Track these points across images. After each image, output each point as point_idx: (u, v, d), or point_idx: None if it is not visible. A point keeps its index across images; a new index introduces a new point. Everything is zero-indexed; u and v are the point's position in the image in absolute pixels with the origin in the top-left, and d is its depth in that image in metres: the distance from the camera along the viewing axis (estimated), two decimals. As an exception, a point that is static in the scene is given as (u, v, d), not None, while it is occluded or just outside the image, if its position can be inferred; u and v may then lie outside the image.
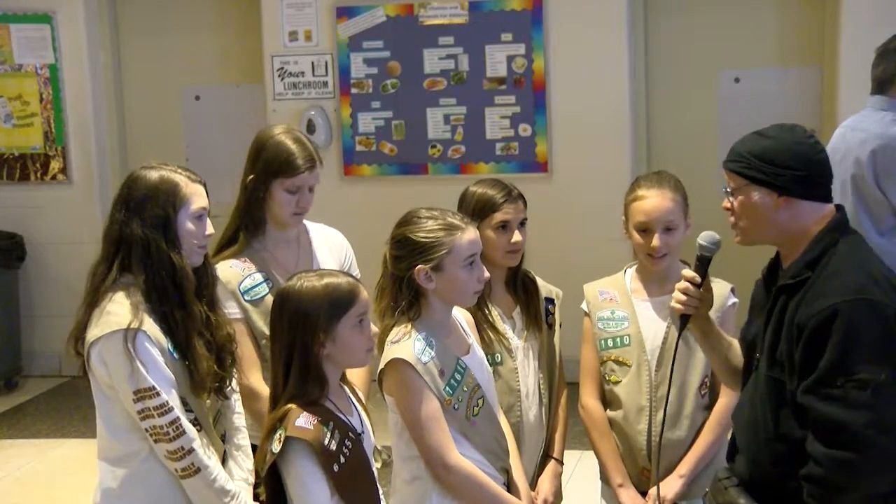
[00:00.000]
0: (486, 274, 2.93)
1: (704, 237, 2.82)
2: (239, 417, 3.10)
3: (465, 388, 2.87)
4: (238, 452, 3.03)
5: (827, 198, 2.60)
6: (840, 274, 2.48)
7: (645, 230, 3.25)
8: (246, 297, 3.27)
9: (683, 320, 2.79)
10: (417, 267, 2.83)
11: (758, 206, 2.57)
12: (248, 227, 3.36)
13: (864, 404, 2.36)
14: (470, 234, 2.87)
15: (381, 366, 2.86)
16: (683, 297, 2.76)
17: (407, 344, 2.82)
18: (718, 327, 2.87)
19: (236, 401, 3.10)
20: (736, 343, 2.89)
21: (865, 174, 4.34)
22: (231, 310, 3.26)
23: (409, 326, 2.85)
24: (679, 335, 2.87)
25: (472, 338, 3.07)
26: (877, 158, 4.31)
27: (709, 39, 6.80)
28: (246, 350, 3.24)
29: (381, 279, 2.94)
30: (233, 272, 3.30)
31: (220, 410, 3.05)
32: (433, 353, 2.82)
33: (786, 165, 2.54)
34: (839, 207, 2.63)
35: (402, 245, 2.88)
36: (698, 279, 2.77)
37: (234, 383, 3.07)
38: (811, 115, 6.68)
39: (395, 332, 2.86)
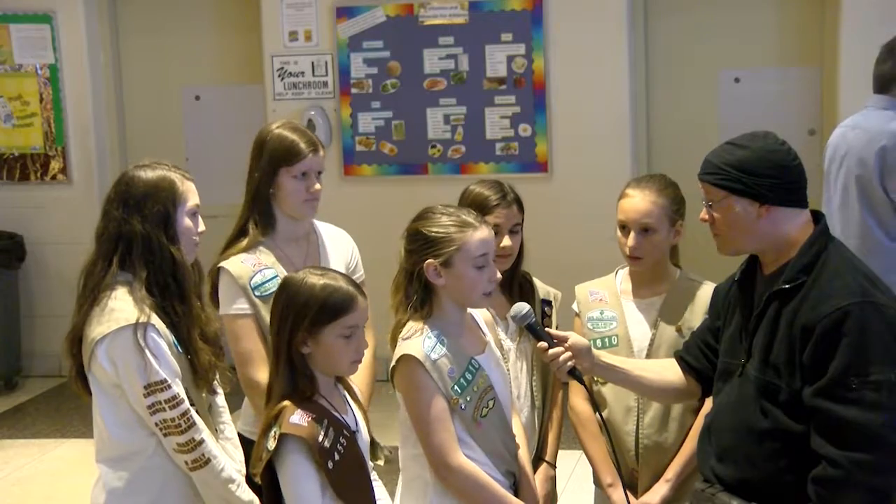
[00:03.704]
0: (498, 276, 2.92)
1: (512, 311, 2.86)
2: (225, 411, 3.12)
3: (476, 389, 2.85)
4: (227, 444, 3.05)
5: (804, 203, 2.63)
6: (840, 276, 2.50)
7: (624, 228, 3.26)
8: (256, 293, 3.28)
9: (573, 375, 2.81)
10: (427, 261, 2.83)
11: (740, 216, 2.59)
12: (256, 221, 3.37)
13: (879, 405, 2.40)
14: (482, 233, 2.85)
15: (393, 362, 2.86)
16: (557, 363, 2.77)
17: (417, 341, 2.81)
18: (608, 360, 2.89)
19: (220, 395, 3.12)
20: (633, 362, 2.95)
21: (871, 174, 4.32)
22: (241, 305, 3.28)
23: (422, 323, 2.84)
24: (585, 385, 2.90)
25: (490, 336, 3.06)
26: (885, 155, 4.29)
27: (709, 39, 6.80)
28: (252, 345, 3.25)
29: (398, 274, 2.94)
30: (244, 267, 3.30)
31: (210, 405, 3.06)
32: (444, 351, 2.81)
33: (764, 174, 2.56)
34: (817, 213, 2.65)
35: (414, 239, 2.88)
36: (545, 345, 2.78)
37: (217, 377, 3.09)
38: (811, 115, 6.69)
39: (408, 329, 2.85)
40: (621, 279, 3.39)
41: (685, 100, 6.89)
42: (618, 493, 3.20)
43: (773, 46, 6.78)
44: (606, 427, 3.12)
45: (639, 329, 3.28)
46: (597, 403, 3.09)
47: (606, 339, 3.28)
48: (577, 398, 3.34)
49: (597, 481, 3.35)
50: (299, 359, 2.68)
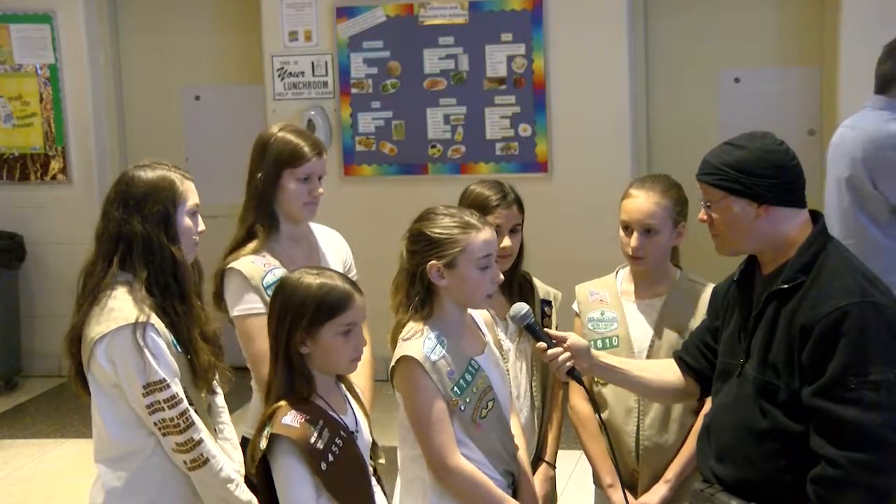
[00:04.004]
0: (501, 277, 2.92)
1: (512, 311, 2.87)
2: (224, 411, 3.13)
3: (475, 390, 2.85)
4: (227, 444, 3.06)
5: (802, 203, 2.62)
6: (839, 276, 2.50)
7: (627, 228, 3.26)
8: (269, 292, 3.26)
9: (572, 375, 2.82)
10: (430, 263, 2.82)
11: (738, 217, 2.58)
12: (263, 223, 3.37)
13: (878, 405, 2.40)
14: (486, 234, 2.85)
15: (392, 363, 2.86)
16: (556, 364, 2.78)
17: (417, 342, 2.80)
18: (607, 360, 2.89)
19: (220, 395, 3.13)
20: (632, 363, 2.95)
21: (862, 174, 4.34)
22: (255, 304, 3.28)
23: (423, 324, 2.84)
24: (584, 386, 2.91)
25: (489, 337, 3.06)
26: (869, 157, 4.31)
27: (709, 39, 6.80)
28: (268, 344, 3.24)
29: (398, 275, 2.94)
30: (255, 267, 3.31)
31: (209, 405, 3.07)
32: (444, 352, 2.81)
33: (762, 174, 2.56)
34: (815, 212, 2.65)
35: (416, 240, 2.87)
36: (544, 345, 2.79)
37: (217, 377, 3.09)
38: (811, 115, 6.69)
39: (408, 330, 2.85)
40: (622, 279, 3.39)
41: (685, 100, 6.89)
42: (617, 494, 3.20)
43: (773, 46, 6.78)
44: (606, 428, 3.12)
45: (639, 330, 3.28)
46: (597, 404, 3.09)
47: (607, 340, 3.28)
48: (578, 398, 3.34)
49: (597, 481, 3.35)
50: (298, 359, 2.68)
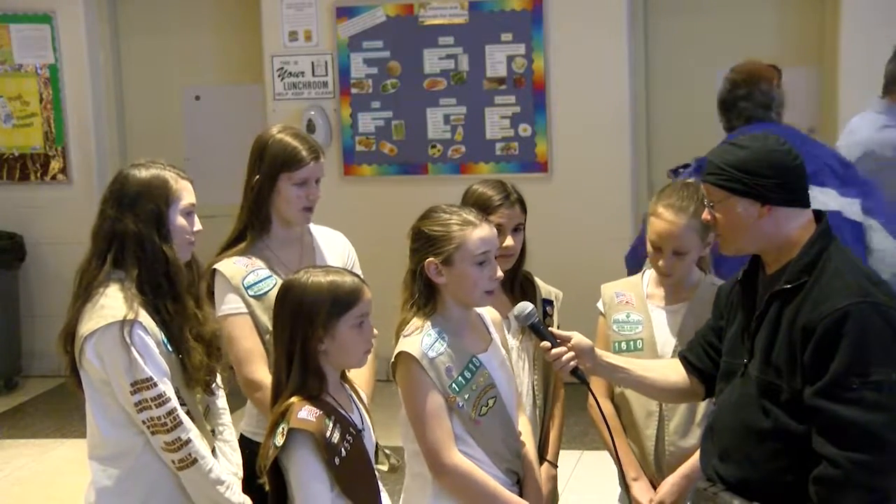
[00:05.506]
0: (500, 274, 2.92)
1: (516, 311, 2.87)
2: (224, 413, 3.13)
3: (475, 387, 2.86)
4: (225, 447, 3.06)
5: (805, 203, 2.62)
6: (841, 276, 2.50)
7: (656, 247, 3.24)
8: (250, 293, 3.29)
9: (576, 375, 2.81)
10: (427, 260, 2.84)
11: (741, 217, 2.58)
12: (254, 225, 3.38)
13: (880, 405, 2.40)
14: (483, 231, 2.87)
15: (392, 359, 2.87)
16: (559, 363, 2.77)
17: (416, 338, 2.83)
18: (610, 359, 2.88)
19: (221, 397, 3.13)
20: (636, 362, 2.94)
21: None
22: (235, 304, 3.29)
23: (423, 321, 2.86)
24: (588, 385, 2.90)
25: (496, 335, 3.06)
26: (859, 165, 4.33)
27: (709, 40, 6.80)
28: (250, 344, 3.26)
29: (406, 273, 2.96)
30: (236, 268, 3.32)
31: (208, 406, 3.07)
32: (443, 349, 2.82)
33: (764, 174, 2.55)
34: (819, 212, 2.66)
35: (417, 238, 2.91)
36: (548, 344, 2.79)
37: (218, 379, 3.09)
38: (811, 115, 6.68)
39: (409, 326, 2.87)
40: (648, 282, 3.37)
41: (685, 100, 6.88)
42: (639, 487, 3.19)
43: (773, 46, 6.77)
44: (608, 424, 3.11)
45: (663, 334, 3.26)
46: (597, 399, 3.08)
47: (631, 343, 3.27)
48: (599, 396, 3.31)
49: (622, 482, 3.31)
50: (313, 357, 2.69)
